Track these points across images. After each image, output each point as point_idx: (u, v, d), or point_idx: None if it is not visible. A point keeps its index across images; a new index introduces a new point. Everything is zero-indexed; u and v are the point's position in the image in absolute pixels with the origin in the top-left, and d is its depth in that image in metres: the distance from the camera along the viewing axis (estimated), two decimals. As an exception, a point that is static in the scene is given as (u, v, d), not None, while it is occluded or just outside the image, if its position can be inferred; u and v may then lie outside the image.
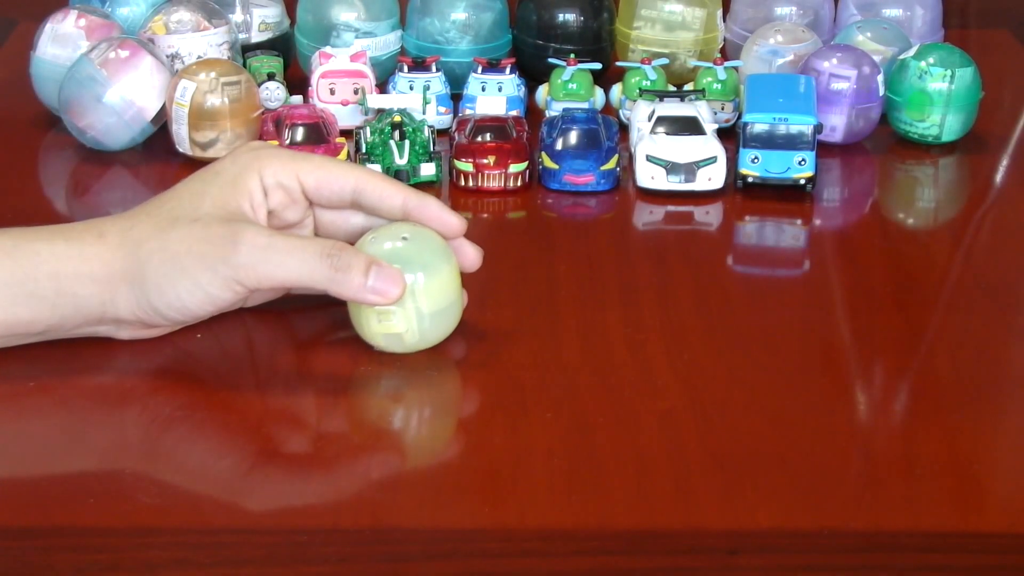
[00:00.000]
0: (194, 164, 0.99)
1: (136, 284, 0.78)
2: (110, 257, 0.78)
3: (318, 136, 1.01)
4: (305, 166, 0.81)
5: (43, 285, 0.77)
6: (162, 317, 0.79)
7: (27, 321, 0.78)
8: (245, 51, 1.14)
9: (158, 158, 1.05)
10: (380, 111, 1.04)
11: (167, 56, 1.09)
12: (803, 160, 1.00)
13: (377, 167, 1.00)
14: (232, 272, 0.77)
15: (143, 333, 0.81)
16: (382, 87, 1.12)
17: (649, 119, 1.03)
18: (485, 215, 1.00)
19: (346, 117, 1.07)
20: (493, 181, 1.02)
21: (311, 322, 0.84)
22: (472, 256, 0.82)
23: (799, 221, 1.00)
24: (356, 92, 1.08)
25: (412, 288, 0.78)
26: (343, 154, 1.01)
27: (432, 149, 1.02)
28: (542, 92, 1.13)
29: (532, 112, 1.12)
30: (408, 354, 0.80)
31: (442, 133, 1.07)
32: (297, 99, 1.10)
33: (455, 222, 0.81)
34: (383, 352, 0.80)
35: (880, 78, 1.08)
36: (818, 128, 1.01)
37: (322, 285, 0.77)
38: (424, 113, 1.05)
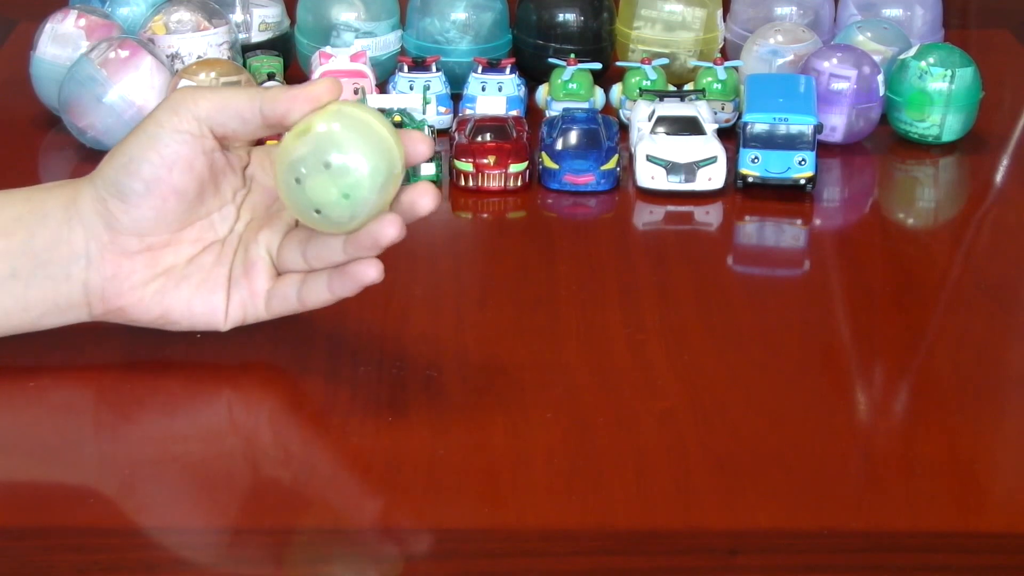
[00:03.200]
0: (194, 164, 0.99)
1: (96, 170, 0.78)
2: (76, 183, 0.79)
3: (318, 136, 1.01)
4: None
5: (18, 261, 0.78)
6: (118, 191, 0.76)
7: None
8: (245, 51, 1.14)
9: (158, 158, 1.05)
10: (380, 111, 1.04)
11: (167, 56, 1.09)
12: (803, 160, 1.00)
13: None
14: (170, 101, 0.76)
15: (121, 264, 0.78)
16: (382, 87, 1.12)
17: (649, 119, 1.03)
18: (485, 215, 1.00)
19: (346, 117, 1.07)
20: (493, 181, 1.02)
21: (311, 322, 0.84)
22: (419, 138, 0.77)
23: (799, 221, 1.00)
24: (356, 92, 1.08)
25: (338, 103, 0.75)
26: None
27: (432, 149, 1.02)
28: (542, 92, 1.13)
29: (532, 112, 1.12)
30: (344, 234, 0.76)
31: (442, 133, 1.07)
32: (297, 99, 1.10)
33: (419, 141, 0.77)
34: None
35: (880, 78, 1.08)
36: (818, 128, 1.01)
37: (253, 99, 0.75)
38: (424, 113, 1.05)
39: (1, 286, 0.77)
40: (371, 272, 0.76)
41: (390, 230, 0.74)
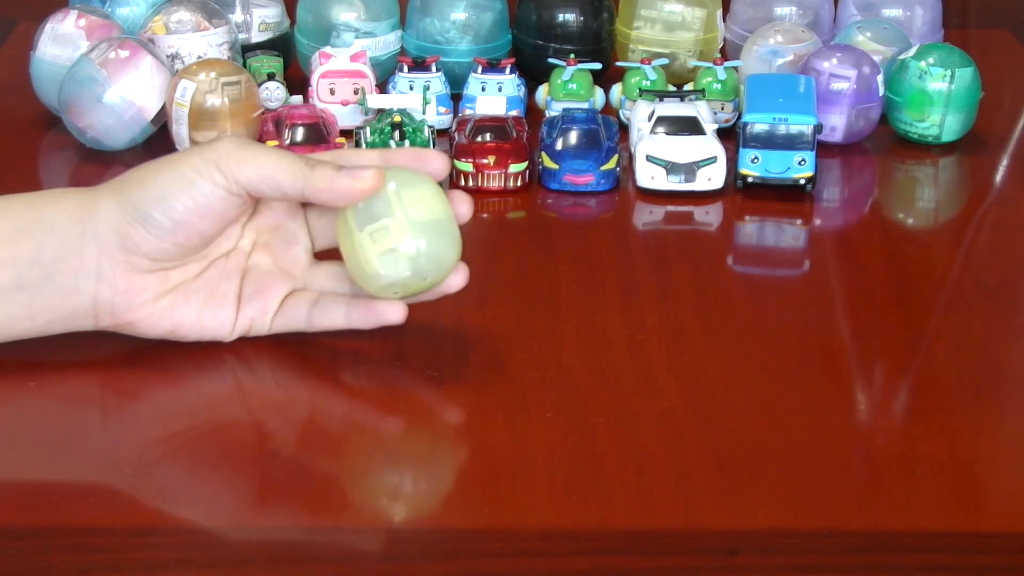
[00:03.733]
0: (194, 164, 0.98)
1: (118, 189, 0.77)
2: (87, 195, 0.78)
3: (318, 136, 1.01)
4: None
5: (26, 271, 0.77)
6: (144, 220, 0.76)
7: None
8: (245, 51, 1.14)
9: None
10: (380, 111, 1.04)
11: (167, 56, 1.09)
12: (803, 160, 1.00)
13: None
14: (213, 154, 0.76)
15: (132, 280, 0.78)
16: (382, 87, 1.12)
17: (649, 119, 1.03)
18: (485, 215, 1.00)
19: (346, 117, 1.07)
20: (493, 181, 1.02)
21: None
22: (461, 198, 0.80)
23: (799, 221, 1.00)
24: (356, 92, 1.08)
25: (396, 196, 0.76)
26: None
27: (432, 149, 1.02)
28: (542, 92, 1.13)
29: (532, 112, 1.12)
30: (416, 300, 0.79)
31: (442, 133, 1.07)
32: (297, 99, 1.10)
33: (434, 159, 0.80)
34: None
35: (880, 78, 1.08)
36: (818, 128, 1.01)
37: (297, 179, 0.76)
38: (424, 113, 1.05)
39: (6, 296, 0.77)
40: (398, 313, 0.79)
41: (458, 280, 0.79)
